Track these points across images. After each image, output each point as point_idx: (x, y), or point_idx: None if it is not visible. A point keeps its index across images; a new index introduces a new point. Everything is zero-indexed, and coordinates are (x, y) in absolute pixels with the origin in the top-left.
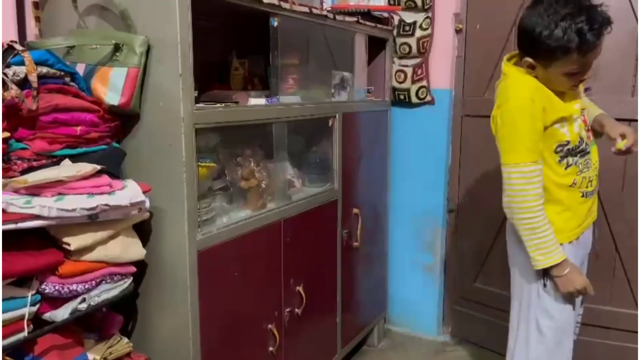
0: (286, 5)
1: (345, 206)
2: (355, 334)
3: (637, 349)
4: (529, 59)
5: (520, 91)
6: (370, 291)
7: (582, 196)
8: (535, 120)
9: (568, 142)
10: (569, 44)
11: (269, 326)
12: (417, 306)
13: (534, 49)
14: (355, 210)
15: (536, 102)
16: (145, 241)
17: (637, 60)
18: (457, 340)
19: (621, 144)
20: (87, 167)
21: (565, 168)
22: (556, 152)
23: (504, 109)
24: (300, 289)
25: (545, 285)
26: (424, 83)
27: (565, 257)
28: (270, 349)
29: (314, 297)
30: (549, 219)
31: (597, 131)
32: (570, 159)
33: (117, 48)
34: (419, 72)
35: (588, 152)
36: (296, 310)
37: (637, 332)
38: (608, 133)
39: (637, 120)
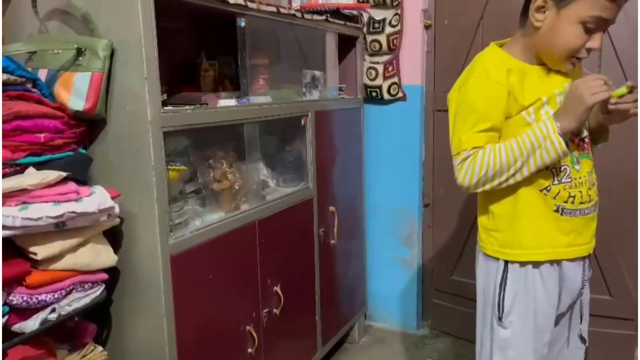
0: (253, 5)
1: (321, 204)
2: (335, 331)
3: (609, 333)
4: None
5: (485, 70)
6: (349, 288)
7: (556, 211)
8: (497, 107)
9: None
10: None
11: (247, 327)
12: (396, 301)
13: None
14: (331, 208)
15: (504, 84)
16: (117, 247)
17: (601, 50)
18: (437, 332)
19: (624, 89)
20: (52, 175)
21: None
22: None
23: (464, 89)
24: (277, 289)
25: (500, 318)
26: (395, 79)
27: (552, 121)
28: (249, 350)
29: (292, 297)
30: (500, 227)
31: (595, 132)
32: None
33: (79, 52)
34: (390, 68)
35: (567, 155)
36: (274, 310)
37: (611, 318)
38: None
39: None
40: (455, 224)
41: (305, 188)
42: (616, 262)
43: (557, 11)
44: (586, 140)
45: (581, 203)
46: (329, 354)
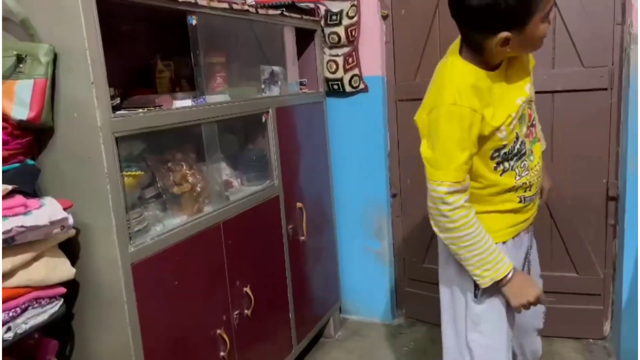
0: (204, 2)
1: (288, 201)
2: (310, 327)
3: (578, 309)
4: (503, 34)
5: (458, 94)
6: (322, 283)
7: (520, 202)
8: (472, 133)
9: (504, 146)
10: None
11: (218, 331)
12: (370, 293)
13: (501, 20)
14: (299, 205)
15: (477, 111)
16: (74, 259)
17: (554, 33)
18: (412, 321)
19: None
20: None
21: (501, 174)
22: (492, 159)
23: (436, 114)
24: (247, 289)
25: (476, 296)
26: (356, 71)
27: (512, 266)
28: (222, 354)
29: (263, 296)
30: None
31: None
32: (506, 164)
33: (19, 59)
34: (350, 60)
35: (524, 153)
36: (245, 311)
37: (578, 294)
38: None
39: (559, 92)
40: (423, 212)
41: (271, 186)
42: (580, 239)
43: (521, 31)
44: (534, 123)
45: (534, 191)
46: (306, 350)
